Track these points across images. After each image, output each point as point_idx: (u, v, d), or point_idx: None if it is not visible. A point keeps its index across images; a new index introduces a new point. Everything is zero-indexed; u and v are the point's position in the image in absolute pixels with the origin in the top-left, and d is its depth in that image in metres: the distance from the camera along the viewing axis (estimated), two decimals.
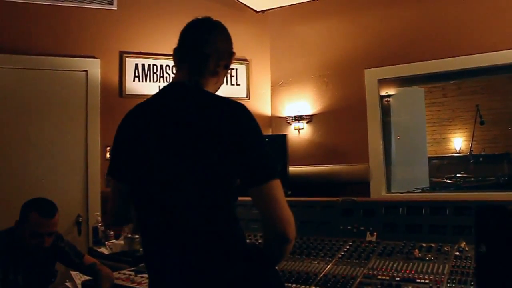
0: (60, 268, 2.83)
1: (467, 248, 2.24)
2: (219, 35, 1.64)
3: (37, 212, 2.48)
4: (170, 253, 1.47)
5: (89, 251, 3.47)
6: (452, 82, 7.55)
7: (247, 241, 1.63)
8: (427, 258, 2.21)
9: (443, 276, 2.02)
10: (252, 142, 1.43)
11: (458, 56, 3.85)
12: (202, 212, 1.43)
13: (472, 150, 7.63)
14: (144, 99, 1.62)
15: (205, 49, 1.58)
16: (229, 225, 1.48)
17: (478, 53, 3.78)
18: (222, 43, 1.63)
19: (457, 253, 2.23)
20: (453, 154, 8.36)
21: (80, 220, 3.97)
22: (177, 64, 1.64)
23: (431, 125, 8.40)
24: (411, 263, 2.18)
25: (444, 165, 7.85)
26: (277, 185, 1.40)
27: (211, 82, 1.60)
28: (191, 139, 1.43)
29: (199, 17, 1.65)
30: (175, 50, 1.64)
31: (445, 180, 6.55)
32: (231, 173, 1.42)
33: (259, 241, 2.62)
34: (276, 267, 1.65)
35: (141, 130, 1.54)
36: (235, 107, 1.47)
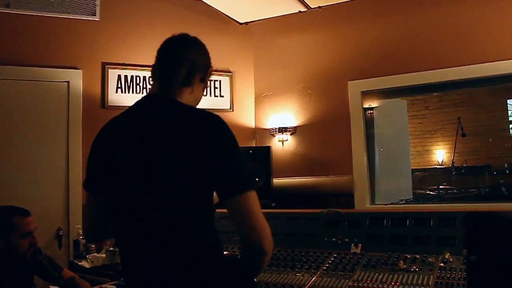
0: (38, 282, 2.77)
1: (451, 259, 2.24)
2: (193, 48, 1.63)
3: (17, 215, 2.53)
4: (147, 266, 1.45)
5: (70, 264, 3.41)
6: (434, 94, 7.64)
7: (226, 252, 1.61)
8: (412, 270, 2.20)
9: (428, 287, 2.02)
10: (227, 153, 1.42)
11: (440, 68, 3.89)
12: (178, 224, 1.42)
13: (454, 162, 7.71)
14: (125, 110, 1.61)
15: (177, 59, 1.58)
16: (206, 237, 1.46)
17: (459, 66, 3.83)
18: (197, 55, 1.62)
19: (442, 264, 2.22)
20: (436, 166, 8.44)
21: (61, 233, 3.90)
22: (152, 79, 1.64)
23: (414, 137, 8.48)
24: (396, 275, 2.17)
25: (426, 177, 7.92)
26: (252, 197, 1.39)
27: (185, 93, 1.58)
28: (165, 151, 1.41)
29: (176, 34, 1.65)
30: (152, 67, 1.64)
31: (428, 192, 6.60)
32: (207, 185, 1.41)
33: None
34: (255, 279, 1.63)
35: (116, 143, 1.53)
36: (209, 118, 1.46)
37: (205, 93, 4.57)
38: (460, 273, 2.10)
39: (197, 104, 1.66)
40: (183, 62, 1.57)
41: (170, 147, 1.41)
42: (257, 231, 1.37)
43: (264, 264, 1.45)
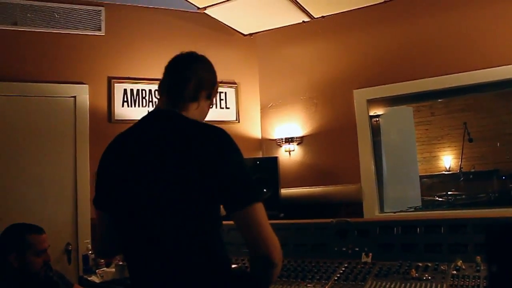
0: None
1: (463, 267, 2.22)
2: (201, 65, 1.65)
3: (31, 233, 2.54)
4: (155, 281, 1.45)
5: (79, 280, 3.39)
6: (439, 100, 7.61)
7: (235, 265, 1.61)
8: (424, 278, 2.18)
9: None
10: (233, 166, 1.43)
11: (446, 74, 3.88)
12: (185, 239, 1.42)
13: (462, 168, 7.67)
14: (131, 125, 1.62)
15: (184, 74, 1.59)
16: (213, 251, 1.46)
17: (464, 72, 3.82)
18: (204, 72, 1.64)
19: (454, 271, 2.21)
20: (443, 172, 8.38)
21: (70, 248, 3.90)
22: (159, 95, 1.66)
23: (420, 144, 8.43)
24: (409, 283, 2.16)
25: (434, 183, 7.87)
26: (259, 208, 1.39)
27: (191, 108, 1.59)
28: (171, 166, 1.42)
29: (184, 52, 1.66)
30: (160, 83, 1.65)
31: (436, 198, 6.56)
32: (213, 198, 1.41)
33: None
34: None
35: (123, 159, 1.54)
36: (214, 132, 1.47)
37: (210, 106, 4.59)
38: (473, 280, 2.08)
39: (203, 119, 1.67)
40: (190, 78, 1.59)
41: (177, 162, 1.41)
42: (266, 243, 1.37)
43: (274, 276, 1.44)
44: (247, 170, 1.45)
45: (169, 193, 1.41)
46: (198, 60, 1.65)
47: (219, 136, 1.46)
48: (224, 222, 1.50)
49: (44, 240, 2.58)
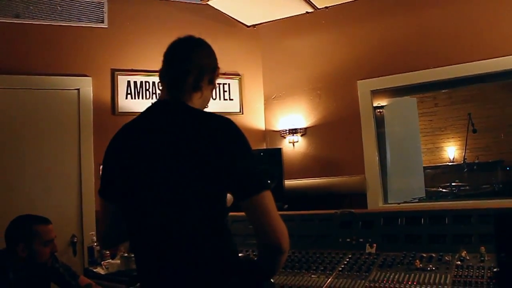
0: None
1: (468, 257, 2.23)
2: (199, 51, 1.64)
3: (39, 223, 2.59)
4: (163, 270, 1.47)
5: (85, 271, 3.41)
6: (443, 91, 7.58)
7: (241, 254, 1.62)
8: (429, 269, 2.19)
9: (445, 286, 2.00)
10: (240, 155, 1.44)
11: (449, 65, 3.87)
12: (193, 227, 1.43)
13: (466, 159, 7.65)
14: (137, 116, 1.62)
15: (184, 64, 1.59)
16: (221, 239, 1.48)
17: (469, 62, 3.79)
18: (204, 58, 1.64)
19: (458, 262, 2.21)
20: (447, 163, 8.36)
21: (75, 240, 3.92)
22: (161, 84, 1.66)
23: (424, 135, 8.42)
24: (413, 274, 2.16)
25: (438, 174, 7.86)
26: (268, 196, 1.41)
27: (194, 97, 1.59)
28: (178, 156, 1.43)
29: (181, 36, 1.65)
30: (160, 71, 1.65)
31: (440, 189, 6.56)
32: (221, 187, 1.43)
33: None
34: (272, 280, 1.64)
35: (129, 149, 1.54)
36: (221, 122, 1.48)
37: (214, 97, 4.56)
38: (478, 271, 2.08)
39: (207, 104, 1.67)
40: (190, 69, 1.58)
41: (184, 152, 1.42)
42: (274, 230, 1.39)
43: (281, 263, 1.46)
44: (255, 159, 1.47)
45: (177, 183, 1.42)
46: (196, 47, 1.64)
47: (226, 125, 1.47)
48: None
49: (51, 231, 2.62)
